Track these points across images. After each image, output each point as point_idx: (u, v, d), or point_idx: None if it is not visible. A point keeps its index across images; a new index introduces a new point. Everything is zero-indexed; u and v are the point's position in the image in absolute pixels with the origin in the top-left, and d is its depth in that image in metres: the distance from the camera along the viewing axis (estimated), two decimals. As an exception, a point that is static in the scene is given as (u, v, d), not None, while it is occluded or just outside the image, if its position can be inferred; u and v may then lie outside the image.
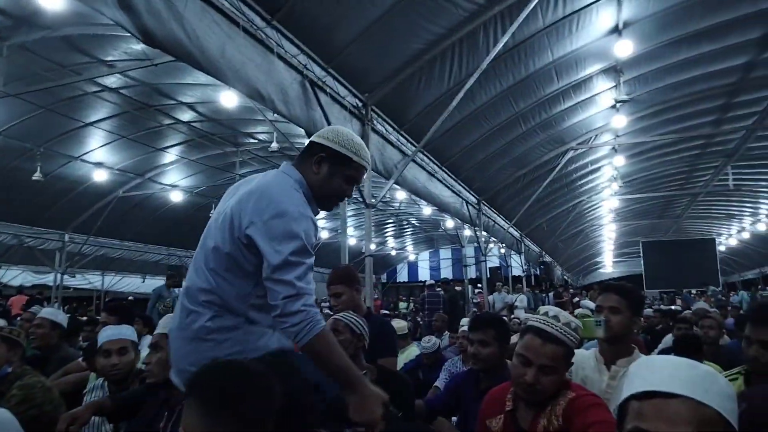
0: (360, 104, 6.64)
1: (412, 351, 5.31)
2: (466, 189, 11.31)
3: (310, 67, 5.55)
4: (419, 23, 6.11)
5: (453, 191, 10.60)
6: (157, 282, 15.87)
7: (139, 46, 7.27)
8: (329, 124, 5.88)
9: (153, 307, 7.28)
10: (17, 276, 12.95)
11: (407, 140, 7.97)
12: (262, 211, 1.69)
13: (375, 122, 7.00)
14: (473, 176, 11.15)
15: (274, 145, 10.08)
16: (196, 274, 1.79)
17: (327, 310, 11.44)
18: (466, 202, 11.53)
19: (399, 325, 4.97)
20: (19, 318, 6.38)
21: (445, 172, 10.05)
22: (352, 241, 18.38)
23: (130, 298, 13.62)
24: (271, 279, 1.62)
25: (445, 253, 28.73)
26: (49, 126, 9.51)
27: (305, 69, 5.44)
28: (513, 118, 9.46)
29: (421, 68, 6.82)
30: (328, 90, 5.89)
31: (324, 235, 20.86)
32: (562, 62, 8.33)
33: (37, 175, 9.67)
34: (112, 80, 8.45)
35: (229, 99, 8.34)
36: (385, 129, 7.43)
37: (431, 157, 9.27)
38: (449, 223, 17.11)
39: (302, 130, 5.75)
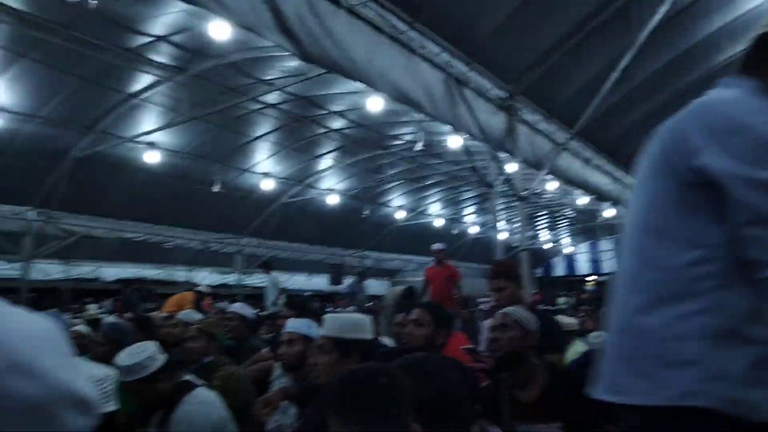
0: (505, 95, 6.49)
1: (577, 348, 5.06)
2: (627, 175, 10.47)
3: (452, 64, 5.56)
4: (563, 4, 5.79)
5: (612, 178, 9.89)
6: (320, 280, 17.07)
7: (293, 63, 7.87)
8: (475, 119, 5.83)
9: (352, 299, 7.80)
10: (205, 277, 14.74)
11: (558, 128, 7.61)
12: (712, 131, 1.23)
13: (522, 112, 6.79)
14: (634, 161, 10.27)
15: (420, 145, 10.26)
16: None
17: (483, 306, 11.34)
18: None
19: (567, 321, 4.80)
20: (212, 313, 7.27)
21: (603, 158, 9.41)
22: (502, 236, 18.05)
23: (307, 293, 14.81)
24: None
25: (607, 245, 26.86)
26: (224, 143, 10.72)
27: (448, 66, 5.46)
28: (676, 95, 8.54)
29: (568, 51, 6.46)
30: (472, 84, 5.85)
31: (473, 230, 20.73)
32: (730, 28, 7.32)
33: (216, 187, 10.96)
34: (272, 97, 9.25)
35: (375, 104, 8.67)
36: (534, 118, 7.17)
37: (586, 143, 8.74)
38: (608, 212, 15.98)
39: (447, 127, 5.78)
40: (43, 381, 0.52)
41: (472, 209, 19.75)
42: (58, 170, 9.14)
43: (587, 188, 9.11)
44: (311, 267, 17.03)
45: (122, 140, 9.16)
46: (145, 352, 2.36)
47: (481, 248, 21.15)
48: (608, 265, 24.76)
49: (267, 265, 10.54)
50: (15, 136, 8.28)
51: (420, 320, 2.53)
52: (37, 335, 0.55)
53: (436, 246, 7.38)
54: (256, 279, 11.24)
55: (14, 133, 8.21)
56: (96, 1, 5.11)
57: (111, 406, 1.49)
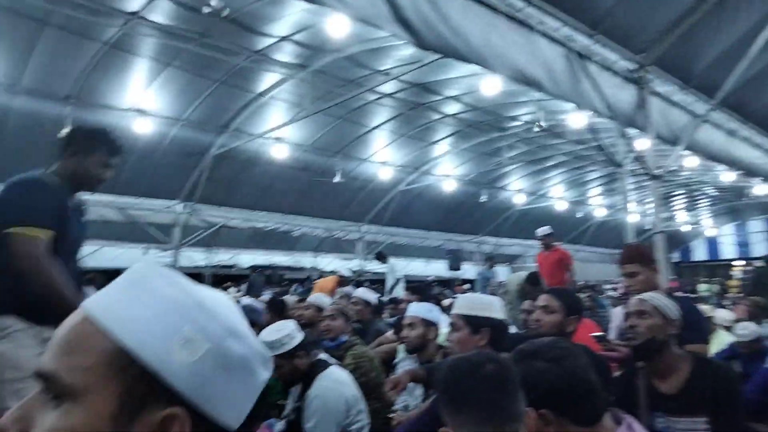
0: (634, 67, 6.03)
1: (722, 338, 4.65)
2: (781, 146, 9.27)
3: (574, 37, 5.27)
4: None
5: (764, 150, 8.81)
6: (438, 265, 17.16)
7: (408, 51, 7.94)
8: (600, 94, 5.50)
9: (483, 290, 7.78)
10: (329, 263, 15.47)
11: (696, 99, 6.92)
12: None
13: (654, 84, 6.27)
14: (791, 129, 9.07)
15: (540, 126, 9.88)
16: None
17: (611, 293, 10.72)
18: (783, 162, 9.44)
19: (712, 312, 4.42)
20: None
21: (752, 129, 8.41)
22: (633, 218, 16.87)
23: (429, 278, 15.01)
24: None
25: (757, 225, 24.06)
26: (344, 134, 11.12)
27: (569, 41, 5.19)
28: None
29: (706, 13, 5.84)
30: (596, 58, 5.51)
31: (600, 213, 19.59)
32: None
33: (337, 178, 11.43)
34: (389, 86, 9.41)
35: (491, 86, 8.49)
36: (668, 89, 6.58)
37: (730, 114, 7.86)
38: (759, 189, 14.29)
39: (569, 105, 5.51)
40: (246, 342, 0.63)
41: (598, 191, 18.65)
42: (199, 167, 10.09)
43: (732, 163, 8.21)
44: (429, 253, 17.17)
45: (252, 137, 9.87)
46: (285, 330, 2.56)
47: (608, 232, 19.96)
48: (760, 248, 22.16)
49: (381, 255, 10.79)
50: (164, 138, 9.26)
51: (549, 306, 2.47)
52: (230, 306, 0.65)
53: (541, 230, 7.06)
54: (377, 265, 11.62)
55: (163, 135, 9.18)
56: (227, 10, 5.52)
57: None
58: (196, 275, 12.91)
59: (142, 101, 8.45)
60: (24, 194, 2.17)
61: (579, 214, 18.94)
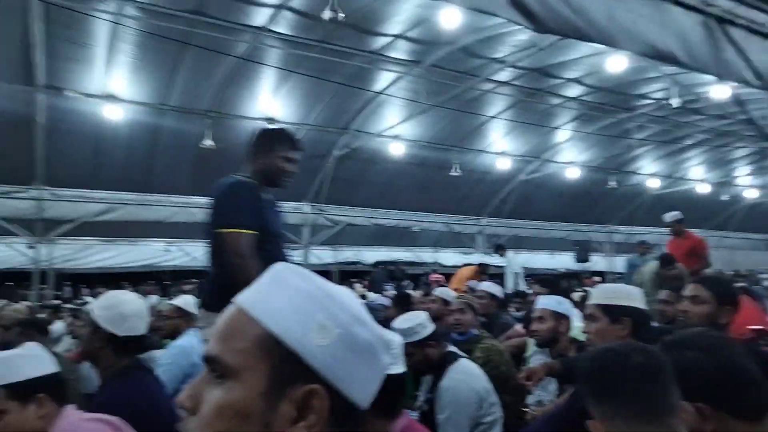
0: (790, 26, 5.31)
1: None
2: None
3: (713, 1, 4.77)
4: None
5: None
6: (564, 257, 16.41)
7: (523, 36, 7.69)
8: (747, 61, 4.92)
9: (629, 278, 7.32)
10: (450, 257, 15.46)
11: None
12: None
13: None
14: None
15: (675, 101, 9.07)
16: None
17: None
18: None
19: None
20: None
21: None
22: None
23: (561, 270, 14.47)
24: None
25: None
26: (459, 127, 11.04)
27: (706, 5, 4.70)
28: None
29: None
30: (740, 21, 4.94)
31: (750, 194, 17.52)
32: None
33: (455, 171, 11.38)
34: (504, 74, 9.20)
35: (617, 63, 7.96)
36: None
37: None
38: None
39: (708, 77, 5.00)
40: (370, 328, 0.71)
41: (746, 170, 16.69)
42: (324, 169, 10.59)
43: None
44: (554, 245, 16.49)
45: (372, 136, 10.15)
46: (418, 319, 2.62)
47: (762, 216, 17.81)
48: None
49: (500, 248, 10.52)
50: (290, 143, 9.84)
51: (698, 297, 2.27)
52: (353, 298, 0.70)
53: (670, 215, 6.36)
54: (498, 258, 11.42)
55: (289, 140, 9.76)
56: (344, 15, 5.73)
57: (400, 368, 1.72)
58: (324, 272, 13.58)
59: (271, 109, 9.06)
60: (228, 198, 2.49)
61: (724, 197, 17.09)
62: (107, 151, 8.96)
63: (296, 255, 12.34)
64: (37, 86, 7.52)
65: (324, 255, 13.17)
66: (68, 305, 6.91)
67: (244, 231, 2.39)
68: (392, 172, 11.39)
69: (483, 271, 7.70)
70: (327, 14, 5.72)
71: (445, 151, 11.41)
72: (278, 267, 0.72)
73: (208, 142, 8.60)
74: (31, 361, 1.59)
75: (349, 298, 0.71)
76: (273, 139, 2.68)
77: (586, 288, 7.17)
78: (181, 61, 7.78)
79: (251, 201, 2.49)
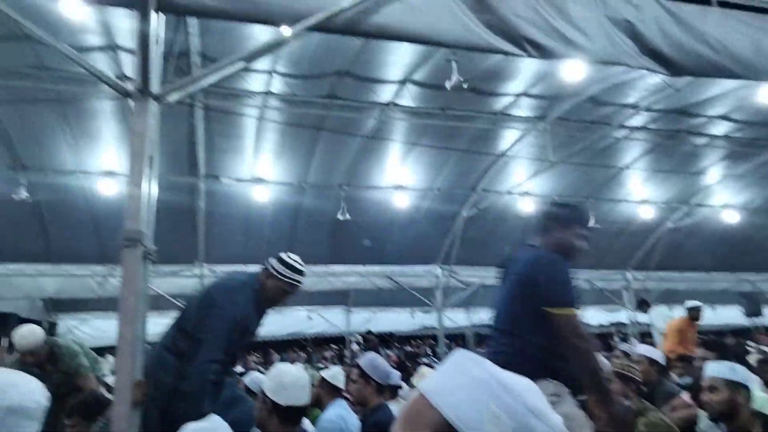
0: None
1: None
2: None
3: None
4: None
5: None
6: (728, 312, 14.54)
7: (656, 79, 7.31)
8: None
9: None
10: (593, 315, 14.43)
11: None
12: None
13: None
14: None
15: None
16: None
17: None
18: None
19: None
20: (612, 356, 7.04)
21: None
22: None
23: (727, 325, 12.93)
24: None
25: None
26: (593, 178, 10.57)
27: None
28: None
29: None
30: None
31: None
32: None
33: (592, 223, 10.80)
34: (638, 119, 8.73)
35: (770, 94, 7.23)
36: None
37: None
38: None
39: None
40: (548, 422, 0.71)
41: None
42: (452, 231, 10.65)
43: None
44: (714, 297, 14.73)
45: (500, 194, 10.07)
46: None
47: None
48: None
49: (643, 303, 9.58)
50: (419, 209, 10.08)
51: None
52: (531, 388, 0.72)
53: None
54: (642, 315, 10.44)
55: (418, 206, 10.01)
56: (466, 83, 5.91)
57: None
58: (460, 336, 13.34)
59: (399, 177, 9.43)
60: (552, 274, 2.49)
61: None
62: (256, 229, 9.84)
63: (429, 318, 12.36)
64: (198, 176, 8.57)
65: (458, 317, 12.99)
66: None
67: (575, 310, 2.37)
68: (524, 229, 11.11)
69: (695, 317, 7.07)
70: (450, 83, 5.94)
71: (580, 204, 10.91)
72: (457, 354, 0.75)
73: (344, 215, 9.14)
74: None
75: (526, 388, 0.72)
76: (570, 214, 2.70)
77: (764, 348, 6.27)
78: (317, 142, 8.45)
79: (570, 278, 2.47)
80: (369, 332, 11.53)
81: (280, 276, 2.82)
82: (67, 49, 3.02)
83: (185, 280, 9.95)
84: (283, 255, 2.93)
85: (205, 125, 7.75)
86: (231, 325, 2.60)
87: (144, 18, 2.50)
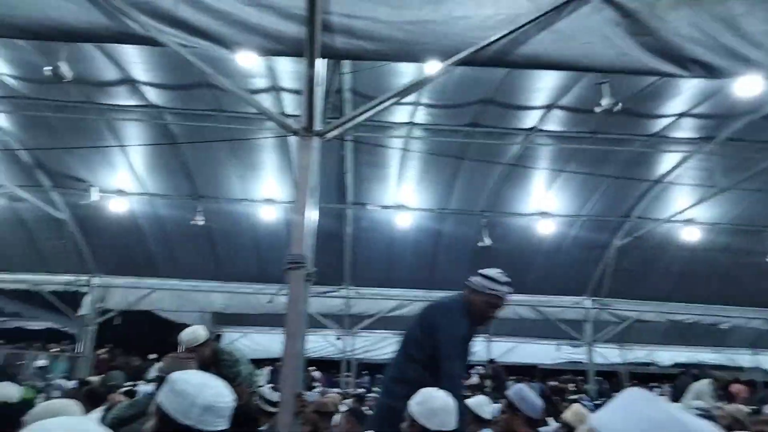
0: None
1: None
2: None
3: None
4: None
5: None
6: None
7: None
8: None
9: None
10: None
11: None
12: None
13: None
14: None
15: None
16: None
17: None
18: None
19: None
20: None
21: None
22: None
23: None
24: None
25: None
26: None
27: None
28: None
29: None
30: None
31: None
32: None
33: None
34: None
35: None
36: None
37: None
38: None
39: None
40: None
41: None
42: (603, 260, 10.00)
43: None
44: None
45: (658, 222, 9.28)
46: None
47: None
48: None
49: None
50: (565, 237, 9.65)
51: None
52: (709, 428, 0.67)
53: None
54: None
55: (564, 234, 9.59)
56: (619, 105, 5.62)
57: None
58: (611, 373, 12.35)
59: (543, 204, 9.14)
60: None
61: None
62: (398, 254, 10.12)
63: (577, 353, 11.64)
64: (347, 203, 9.09)
65: (610, 354, 12.08)
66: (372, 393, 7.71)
67: None
68: (687, 260, 10.08)
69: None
70: (602, 106, 5.69)
71: (756, 235, 9.66)
72: (630, 391, 0.75)
73: (485, 241, 9.06)
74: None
75: (708, 430, 0.69)
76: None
77: None
78: (459, 170, 8.53)
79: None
80: (492, 360, 11.13)
81: (483, 291, 2.85)
82: (244, 93, 3.45)
83: (332, 300, 10.51)
84: (483, 271, 2.95)
85: (354, 157, 8.23)
86: (458, 343, 2.75)
87: (310, 65, 2.78)
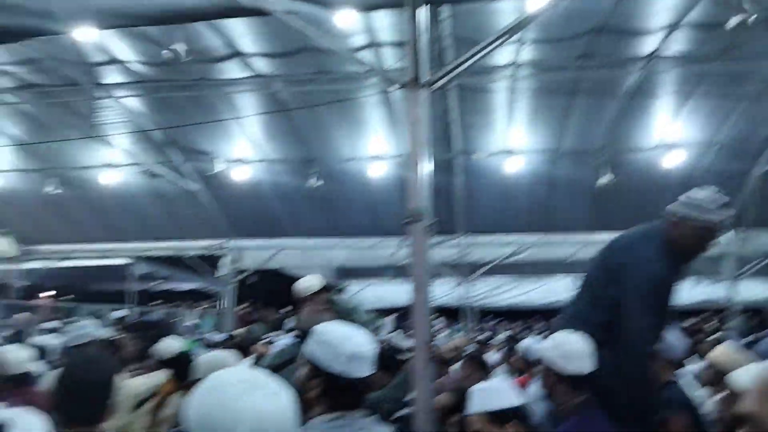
0: None
1: None
2: None
3: None
4: None
5: None
6: None
7: None
8: None
9: None
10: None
11: None
12: None
13: None
14: None
15: None
16: None
17: None
18: None
19: None
20: None
21: None
22: None
23: None
24: None
25: None
26: None
27: None
28: None
29: None
30: None
31: None
32: None
33: None
34: None
35: None
36: None
37: None
38: None
39: None
40: None
41: None
42: (743, 190, 9.07)
43: None
44: None
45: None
46: None
47: None
48: None
49: None
50: (696, 168, 8.82)
51: None
52: None
53: None
54: None
55: (694, 166, 8.77)
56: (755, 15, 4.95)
57: None
58: (756, 311, 11.37)
59: (669, 135, 8.42)
60: None
61: None
62: (511, 200, 9.91)
63: (717, 290, 10.86)
64: (454, 153, 9.00)
65: (757, 290, 11.12)
66: (496, 340, 7.80)
67: None
68: None
69: None
70: (733, 21, 5.06)
71: None
72: None
73: (605, 179, 8.59)
74: (503, 393, 1.89)
75: None
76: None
77: None
78: (572, 107, 8.05)
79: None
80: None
81: (689, 220, 2.28)
82: (348, 53, 3.49)
83: (448, 249, 10.62)
84: (689, 194, 2.35)
85: (459, 105, 8.06)
86: (651, 285, 2.25)
87: (414, 14, 2.74)
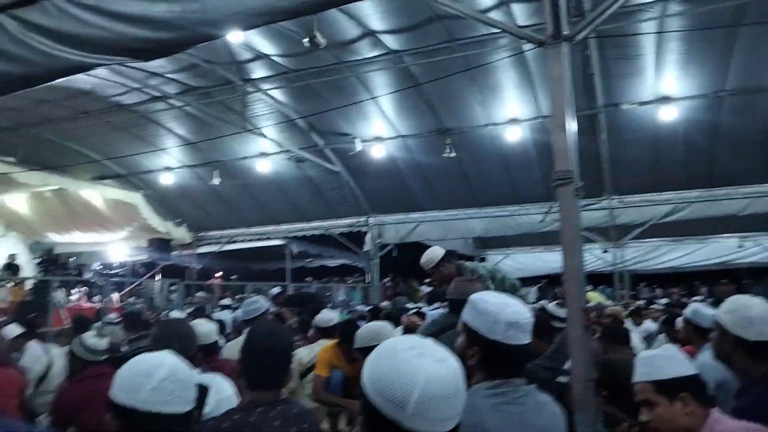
0: None
1: None
2: None
3: None
4: None
5: None
6: None
7: None
8: None
9: None
10: None
11: None
12: None
13: None
14: None
15: None
16: None
17: None
18: None
19: None
20: None
21: None
22: None
23: None
24: None
25: None
26: None
27: None
28: None
29: None
30: None
31: None
32: None
33: None
34: None
35: None
36: None
37: None
38: None
39: None
40: None
41: None
42: None
43: None
44: None
45: None
46: None
47: None
48: None
49: None
50: None
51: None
52: None
53: None
54: None
55: None
56: None
57: None
58: None
59: None
60: None
61: None
62: (666, 153, 9.04)
63: None
64: (598, 108, 8.38)
65: None
66: (652, 306, 7.25)
67: None
68: None
69: None
70: None
71: None
72: None
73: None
74: (673, 361, 1.75)
75: None
76: None
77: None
78: (735, 41, 7.05)
79: None
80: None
81: None
82: (480, 15, 3.38)
83: (595, 213, 10.03)
84: None
85: (600, 54, 7.47)
86: None
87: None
